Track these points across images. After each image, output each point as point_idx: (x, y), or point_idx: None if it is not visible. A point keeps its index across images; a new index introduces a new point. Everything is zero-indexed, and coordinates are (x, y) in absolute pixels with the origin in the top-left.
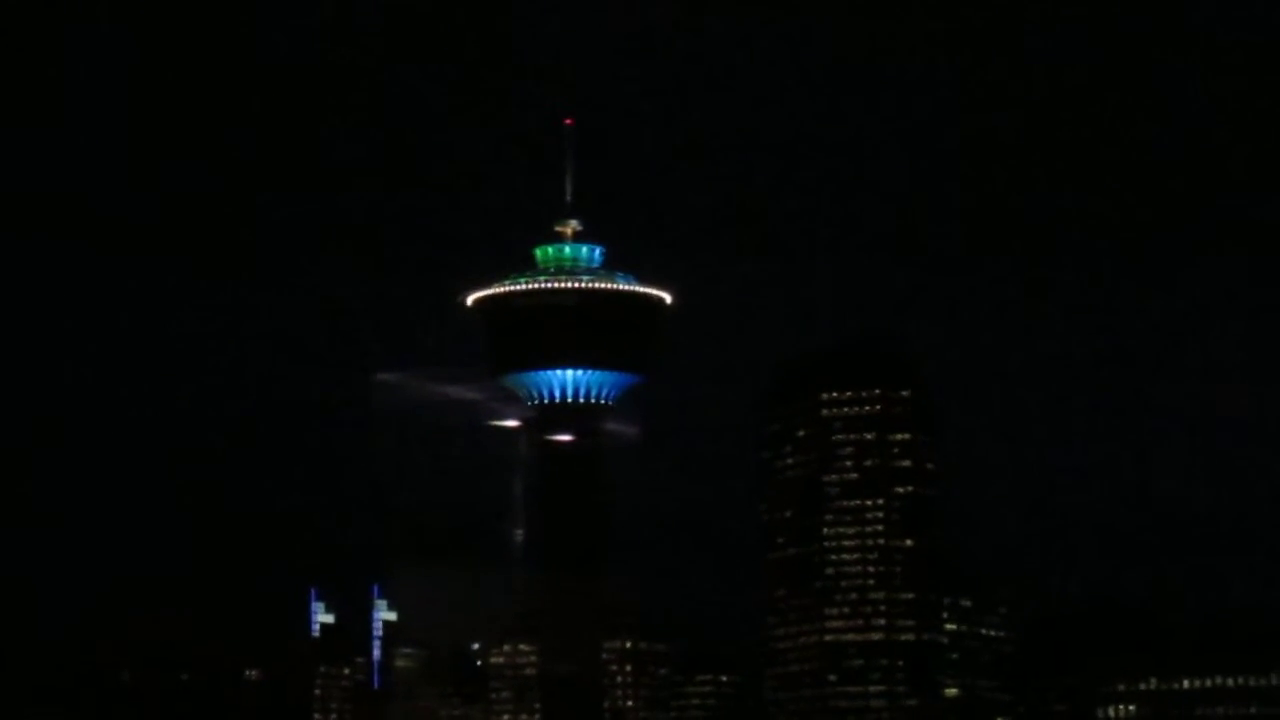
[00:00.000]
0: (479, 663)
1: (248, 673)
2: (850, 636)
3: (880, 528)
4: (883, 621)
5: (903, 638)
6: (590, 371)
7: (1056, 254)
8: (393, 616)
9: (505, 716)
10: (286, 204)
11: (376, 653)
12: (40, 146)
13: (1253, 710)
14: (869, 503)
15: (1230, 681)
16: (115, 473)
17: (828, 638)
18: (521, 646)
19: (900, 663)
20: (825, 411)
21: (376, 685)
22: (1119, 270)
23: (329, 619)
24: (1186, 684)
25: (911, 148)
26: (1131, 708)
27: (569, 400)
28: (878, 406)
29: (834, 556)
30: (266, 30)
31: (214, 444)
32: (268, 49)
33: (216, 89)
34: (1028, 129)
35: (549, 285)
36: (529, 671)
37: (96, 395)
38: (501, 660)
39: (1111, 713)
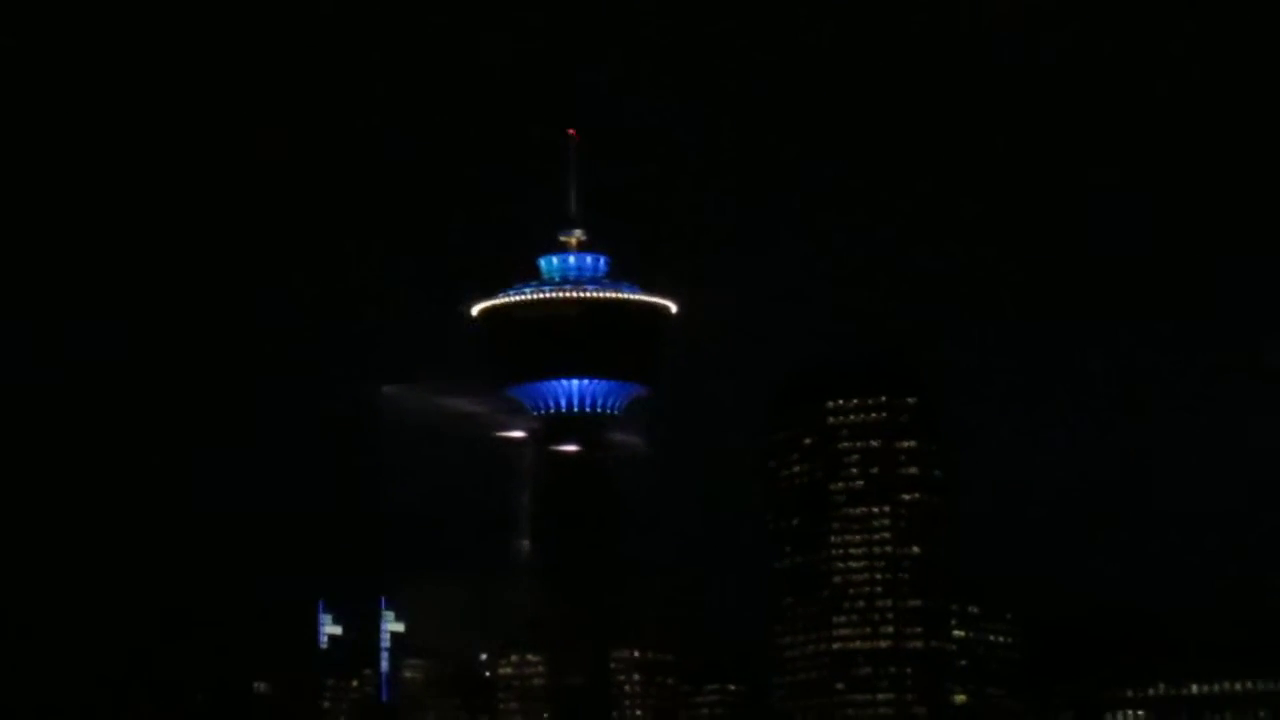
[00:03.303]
0: (487, 674)
1: (255, 685)
2: (858, 644)
3: (887, 535)
4: (890, 629)
5: (910, 645)
6: (595, 382)
7: (1062, 263)
8: (400, 628)
9: None
10: (294, 215)
11: (384, 664)
12: None
13: (1261, 715)
14: (876, 510)
15: (1238, 686)
16: (117, 482)
17: (835, 646)
18: (529, 657)
19: (908, 670)
20: (831, 419)
21: (384, 697)
22: (1126, 280)
23: (336, 631)
24: (1195, 689)
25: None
26: (1140, 713)
27: (575, 411)
28: (884, 414)
29: (841, 564)
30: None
31: (220, 455)
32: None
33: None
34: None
35: (554, 296)
36: (537, 682)
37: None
38: (510, 671)
39: (1120, 718)
